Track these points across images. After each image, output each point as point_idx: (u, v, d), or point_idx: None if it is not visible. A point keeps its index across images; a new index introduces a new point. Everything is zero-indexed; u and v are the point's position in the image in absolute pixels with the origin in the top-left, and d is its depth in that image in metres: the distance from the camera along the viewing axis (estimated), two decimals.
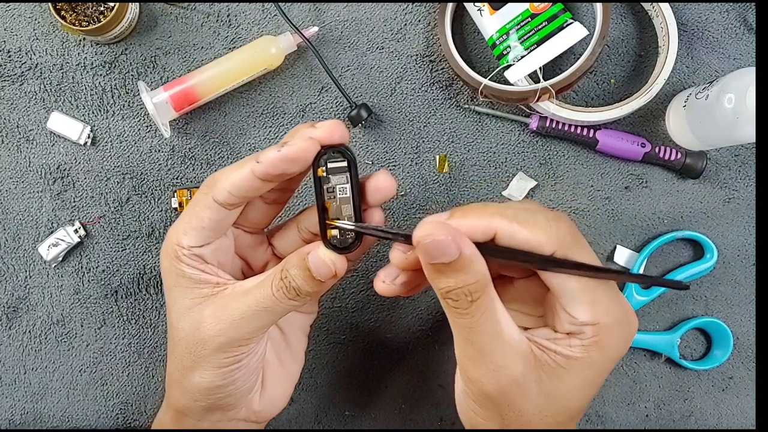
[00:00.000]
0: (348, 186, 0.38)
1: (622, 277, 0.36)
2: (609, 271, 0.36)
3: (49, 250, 0.60)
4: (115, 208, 0.61)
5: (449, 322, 0.36)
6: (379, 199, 0.39)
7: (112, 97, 0.60)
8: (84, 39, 0.60)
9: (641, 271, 0.60)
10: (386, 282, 0.39)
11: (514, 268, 0.41)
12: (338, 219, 0.38)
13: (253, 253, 0.44)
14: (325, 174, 0.38)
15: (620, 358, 0.37)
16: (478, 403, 0.37)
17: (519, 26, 0.56)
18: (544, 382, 0.35)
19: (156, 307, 0.62)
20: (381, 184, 0.39)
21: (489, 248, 0.35)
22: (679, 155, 0.59)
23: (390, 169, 0.61)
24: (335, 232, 0.38)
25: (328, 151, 0.38)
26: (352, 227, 0.38)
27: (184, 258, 0.39)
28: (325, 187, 0.38)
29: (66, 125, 0.60)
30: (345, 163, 0.38)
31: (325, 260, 0.38)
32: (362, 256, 0.59)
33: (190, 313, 0.39)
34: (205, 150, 0.61)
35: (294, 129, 0.39)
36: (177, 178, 0.61)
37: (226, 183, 0.37)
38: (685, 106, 0.57)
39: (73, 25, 0.56)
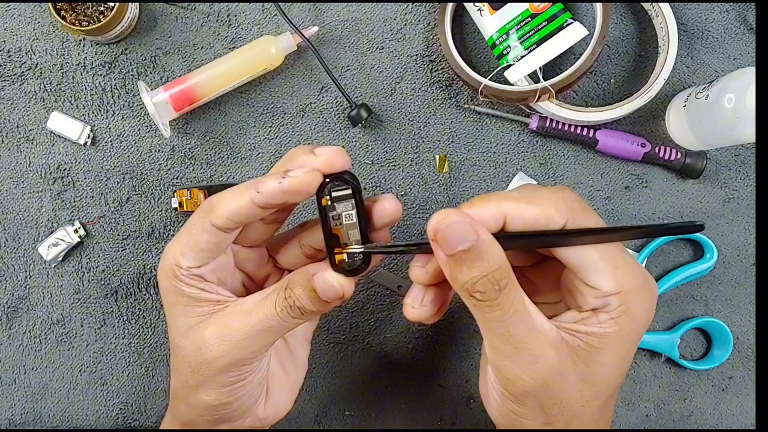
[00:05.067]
0: (353, 212, 0.38)
1: (639, 231, 0.36)
2: (625, 229, 0.34)
3: (49, 250, 0.60)
4: (115, 208, 0.61)
5: (479, 324, 0.35)
6: (385, 223, 0.39)
7: (112, 97, 0.60)
8: (84, 39, 0.60)
9: None
10: (416, 307, 0.39)
11: (523, 256, 0.40)
12: (346, 244, 0.38)
13: (254, 266, 0.44)
14: (329, 203, 0.37)
15: (648, 326, 0.36)
16: (518, 402, 0.36)
17: (519, 26, 0.56)
18: (579, 368, 0.35)
19: (156, 307, 0.62)
20: (387, 210, 0.38)
21: (502, 237, 0.34)
22: (679, 155, 0.59)
23: (390, 169, 0.61)
24: (343, 255, 0.38)
25: (331, 180, 0.37)
26: (363, 250, 0.38)
27: (183, 278, 0.39)
28: (330, 215, 0.38)
29: (66, 125, 0.60)
30: (349, 191, 0.37)
31: (333, 284, 0.38)
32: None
33: (192, 332, 0.39)
34: (205, 150, 0.61)
35: (292, 152, 0.38)
36: (177, 178, 0.61)
37: (225, 209, 0.37)
38: (685, 106, 0.57)
39: (73, 25, 0.56)
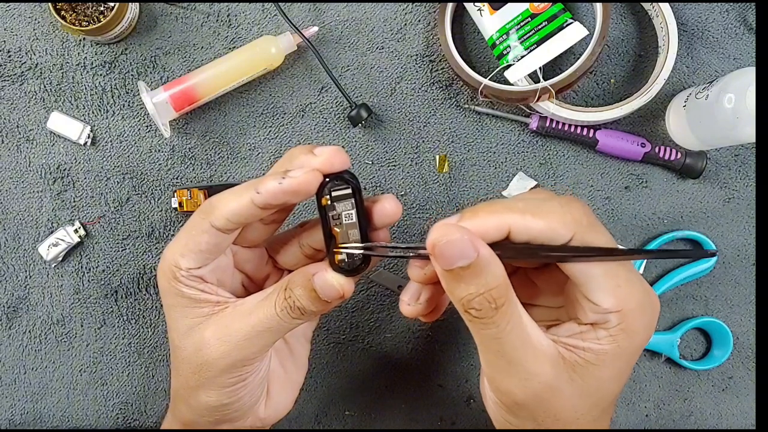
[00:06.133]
0: (353, 212, 0.37)
1: (646, 255, 0.35)
2: (632, 252, 0.34)
3: (49, 250, 0.60)
4: (115, 208, 0.61)
5: (474, 337, 0.35)
6: (385, 224, 0.39)
7: (112, 97, 0.60)
8: (84, 39, 0.60)
9: (641, 271, 0.60)
10: (411, 304, 0.39)
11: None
12: (345, 243, 0.38)
13: (253, 266, 0.44)
14: (329, 202, 0.37)
15: (647, 342, 0.36)
16: (512, 413, 0.36)
17: (519, 26, 0.56)
18: (576, 383, 0.35)
19: (156, 307, 0.62)
20: (387, 210, 0.38)
21: (505, 248, 0.34)
22: (679, 155, 0.60)
23: (390, 169, 0.61)
24: (343, 255, 0.38)
25: (331, 179, 0.37)
26: (363, 251, 0.38)
27: (182, 279, 0.39)
28: (330, 214, 0.38)
29: (66, 125, 0.60)
30: (349, 190, 0.37)
31: (333, 283, 0.38)
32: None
33: (192, 333, 0.39)
34: (205, 150, 0.61)
35: (291, 152, 0.38)
36: (177, 178, 0.61)
37: (224, 210, 0.37)
38: (685, 106, 0.57)
39: (73, 25, 0.56)
